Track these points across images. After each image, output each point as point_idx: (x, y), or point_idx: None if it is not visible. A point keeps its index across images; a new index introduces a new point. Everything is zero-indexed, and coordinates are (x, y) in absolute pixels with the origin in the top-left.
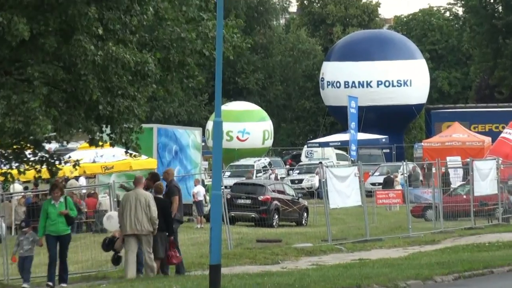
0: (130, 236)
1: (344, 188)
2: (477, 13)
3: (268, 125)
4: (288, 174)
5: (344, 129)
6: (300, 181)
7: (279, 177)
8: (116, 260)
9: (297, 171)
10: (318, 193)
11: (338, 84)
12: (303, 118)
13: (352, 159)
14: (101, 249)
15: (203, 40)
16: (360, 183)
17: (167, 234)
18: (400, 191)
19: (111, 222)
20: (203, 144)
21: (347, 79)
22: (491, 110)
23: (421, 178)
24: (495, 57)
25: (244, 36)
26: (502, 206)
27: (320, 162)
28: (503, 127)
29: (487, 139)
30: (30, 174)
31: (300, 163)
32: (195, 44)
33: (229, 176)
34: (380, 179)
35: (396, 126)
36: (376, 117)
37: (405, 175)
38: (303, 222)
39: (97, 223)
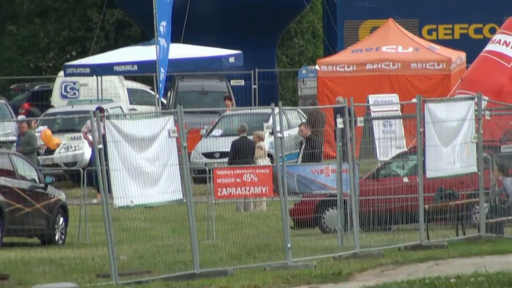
0: None
1: (145, 164)
2: None
3: None
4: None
5: (144, 36)
6: (51, 151)
7: None
8: None
9: (40, 129)
10: (89, 176)
11: None
12: (53, 9)
13: (162, 100)
14: None
15: None
16: (183, 153)
17: None
18: (269, 168)
19: None
20: None
21: None
22: None
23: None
24: None
25: None
26: (488, 199)
27: (99, 108)
28: (492, 30)
29: (457, 56)
30: None
31: (51, 110)
32: None
33: None
34: (226, 144)
35: (260, 30)
36: (216, 11)
37: (281, 134)
38: (57, 237)
39: None
